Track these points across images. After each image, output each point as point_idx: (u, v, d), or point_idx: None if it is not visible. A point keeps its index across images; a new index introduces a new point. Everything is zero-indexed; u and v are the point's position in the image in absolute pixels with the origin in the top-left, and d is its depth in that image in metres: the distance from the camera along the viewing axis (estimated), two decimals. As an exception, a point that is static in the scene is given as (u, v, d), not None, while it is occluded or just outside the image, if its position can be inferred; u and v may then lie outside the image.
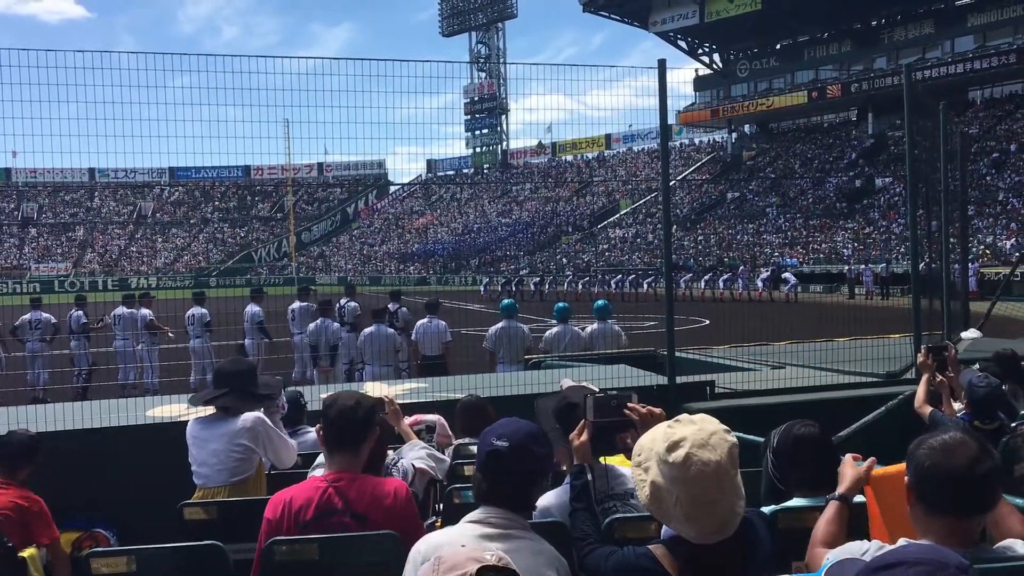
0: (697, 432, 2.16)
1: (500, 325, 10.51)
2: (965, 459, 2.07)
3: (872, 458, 2.87)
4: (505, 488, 2.55)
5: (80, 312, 14.94)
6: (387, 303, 13.52)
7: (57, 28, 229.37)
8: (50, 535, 4.44)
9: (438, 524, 3.78)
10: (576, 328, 10.54)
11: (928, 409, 4.99)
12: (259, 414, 4.48)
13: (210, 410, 4.56)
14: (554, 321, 10.62)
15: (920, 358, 5.36)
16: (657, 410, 2.89)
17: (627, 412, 2.90)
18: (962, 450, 2.09)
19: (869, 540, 2.36)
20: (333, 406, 3.27)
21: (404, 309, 13.50)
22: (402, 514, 3.18)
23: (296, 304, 14.26)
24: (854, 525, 2.72)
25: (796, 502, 3.04)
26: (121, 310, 14.57)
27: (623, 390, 3.16)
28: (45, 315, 14.89)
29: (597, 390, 3.12)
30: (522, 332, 10.56)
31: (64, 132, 6.95)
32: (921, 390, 5.17)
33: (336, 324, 12.92)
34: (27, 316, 14.76)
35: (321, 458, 3.84)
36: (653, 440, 2.23)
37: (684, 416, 2.27)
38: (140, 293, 15.62)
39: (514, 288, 44.84)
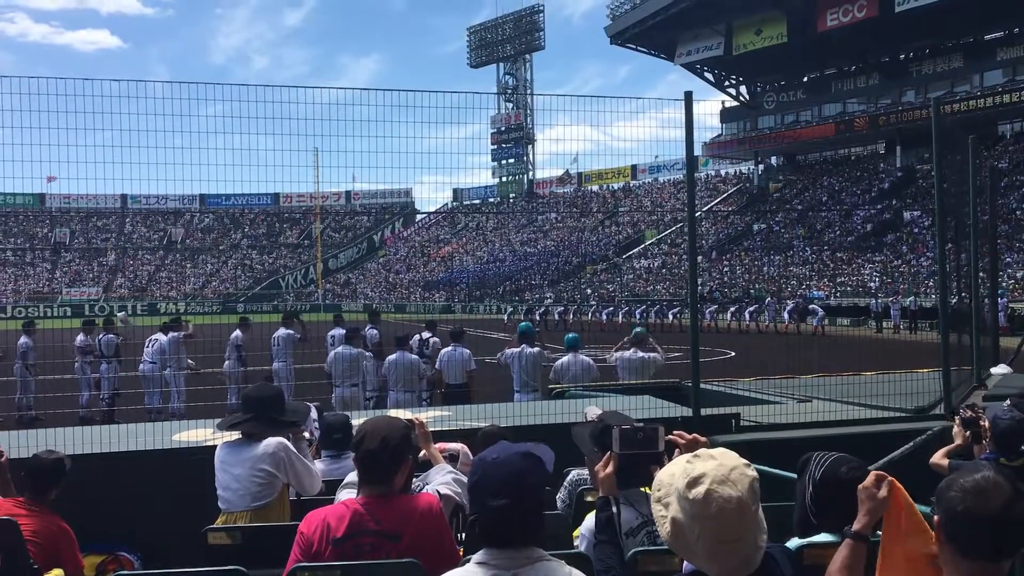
0: (717, 467, 2.14)
1: (516, 350, 10.83)
2: (999, 503, 2.01)
3: (886, 478, 2.58)
4: (512, 532, 2.48)
5: (111, 336, 15.18)
6: (411, 331, 13.64)
7: (92, 57, 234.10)
8: (76, 565, 4.47)
9: (461, 552, 3.77)
10: (586, 358, 10.60)
11: (946, 462, 4.92)
12: (282, 440, 4.49)
13: (237, 435, 4.60)
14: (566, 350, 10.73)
15: (955, 429, 5.28)
16: (703, 439, 2.86)
17: (673, 438, 2.87)
18: (996, 493, 2.03)
19: None
20: (363, 443, 3.25)
21: (435, 339, 13.73)
22: (436, 530, 3.18)
23: (336, 331, 14.51)
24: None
25: (823, 537, 2.99)
26: (158, 336, 14.92)
27: (650, 422, 3.16)
28: (81, 338, 15.25)
29: (633, 420, 3.13)
30: (533, 356, 10.74)
31: (98, 159, 7.05)
32: (942, 451, 5.12)
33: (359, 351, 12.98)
34: (81, 338, 15.38)
35: (350, 477, 3.84)
36: (672, 475, 2.20)
37: (703, 451, 2.24)
38: (171, 318, 15.96)
39: (538, 317, 44.77)
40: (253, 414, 4.57)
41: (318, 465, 5.12)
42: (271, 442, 4.43)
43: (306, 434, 5.09)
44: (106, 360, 14.79)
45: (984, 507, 2.01)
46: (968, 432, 5.11)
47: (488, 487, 2.47)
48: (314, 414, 5.81)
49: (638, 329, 11.24)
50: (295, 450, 4.53)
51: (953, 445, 5.13)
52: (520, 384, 10.68)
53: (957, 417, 5.48)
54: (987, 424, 5.24)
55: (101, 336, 15.32)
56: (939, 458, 5.02)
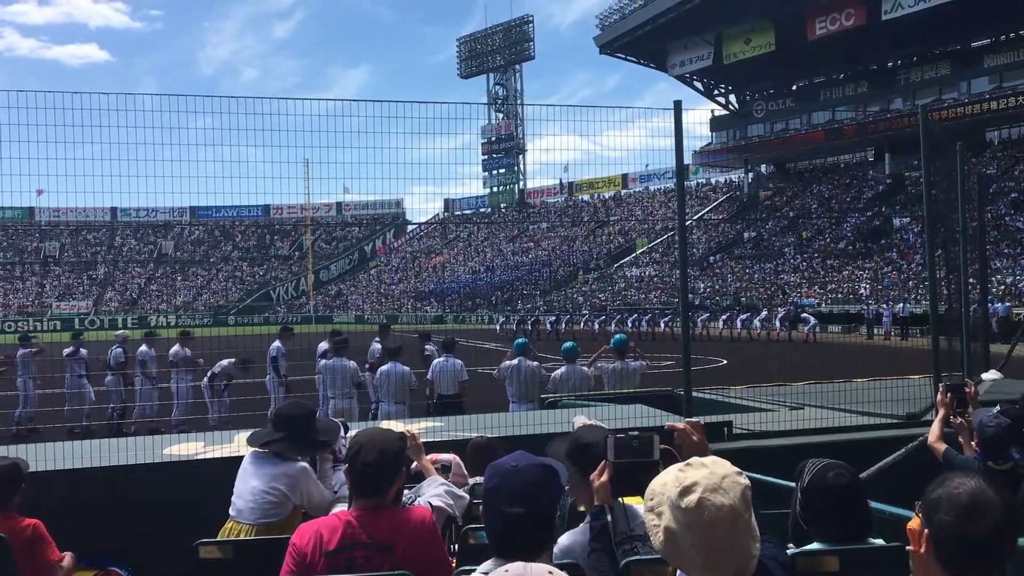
0: (709, 475, 2.14)
1: (513, 362, 10.77)
2: (990, 524, 1.99)
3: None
4: (523, 542, 2.48)
5: (120, 350, 15.17)
6: (404, 342, 13.66)
7: (80, 71, 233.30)
8: (52, 556, 4.38)
9: (453, 564, 3.75)
10: (583, 368, 10.56)
11: (942, 447, 4.94)
12: (305, 464, 4.45)
13: (233, 450, 4.55)
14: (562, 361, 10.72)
15: (938, 396, 5.31)
16: (695, 419, 2.87)
17: (682, 428, 2.88)
18: (986, 516, 2.00)
19: None
20: (359, 455, 3.23)
21: (428, 347, 13.94)
22: (428, 542, 3.18)
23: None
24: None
25: (814, 546, 2.99)
26: (144, 349, 14.97)
27: (644, 430, 3.12)
28: (83, 351, 15.29)
29: (612, 430, 3.10)
30: (531, 370, 10.70)
31: (87, 172, 7.01)
32: (936, 426, 5.12)
33: (351, 363, 12.94)
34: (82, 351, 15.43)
35: (343, 491, 3.81)
36: (664, 484, 2.20)
37: (695, 459, 2.24)
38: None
39: (530, 327, 44.76)
40: (285, 433, 4.51)
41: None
42: (294, 465, 4.40)
43: (331, 454, 5.00)
44: (111, 372, 14.81)
45: (975, 530, 1.99)
46: (951, 398, 5.12)
47: (505, 494, 2.48)
48: (343, 431, 5.74)
49: (619, 336, 11.21)
50: (315, 475, 4.48)
51: (940, 415, 5.15)
52: (517, 396, 10.64)
53: (941, 384, 5.48)
54: (972, 391, 5.24)
55: (113, 349, 15.38)
56: (935, 440, 5.03)
